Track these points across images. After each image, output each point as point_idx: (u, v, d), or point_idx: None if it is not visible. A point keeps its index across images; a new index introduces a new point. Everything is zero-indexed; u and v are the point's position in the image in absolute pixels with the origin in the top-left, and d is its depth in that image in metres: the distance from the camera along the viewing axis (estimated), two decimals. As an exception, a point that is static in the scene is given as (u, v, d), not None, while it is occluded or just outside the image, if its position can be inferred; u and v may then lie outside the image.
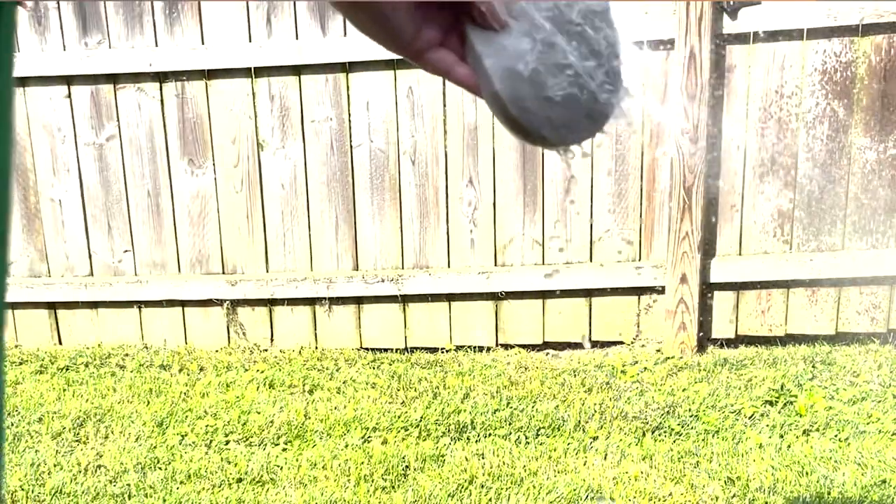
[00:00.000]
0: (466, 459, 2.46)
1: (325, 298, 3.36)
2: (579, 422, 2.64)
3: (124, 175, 3.38)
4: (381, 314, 3.37)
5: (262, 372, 3.16)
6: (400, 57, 0.70)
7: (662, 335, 3.18)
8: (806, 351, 3.08)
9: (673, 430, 2.59)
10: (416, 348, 3.36)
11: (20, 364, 3.34)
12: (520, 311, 3.30)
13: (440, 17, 0.68)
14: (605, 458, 2.45)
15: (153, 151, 3.35)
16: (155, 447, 2.61)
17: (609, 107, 0.70)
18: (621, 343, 3.28)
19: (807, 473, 2.29)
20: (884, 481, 2.24)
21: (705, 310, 3.18)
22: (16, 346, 3.54)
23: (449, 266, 3.31)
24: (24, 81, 3.31)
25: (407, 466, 2.43)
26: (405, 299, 3.33)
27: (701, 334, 3.17)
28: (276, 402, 2.89)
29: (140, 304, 3.46)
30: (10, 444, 2.67)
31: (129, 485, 2.39)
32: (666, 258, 3.11)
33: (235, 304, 3.41)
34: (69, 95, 3.34)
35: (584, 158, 3.10)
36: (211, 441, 2.65)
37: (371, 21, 0.66)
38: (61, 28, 3.27)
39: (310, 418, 2.75)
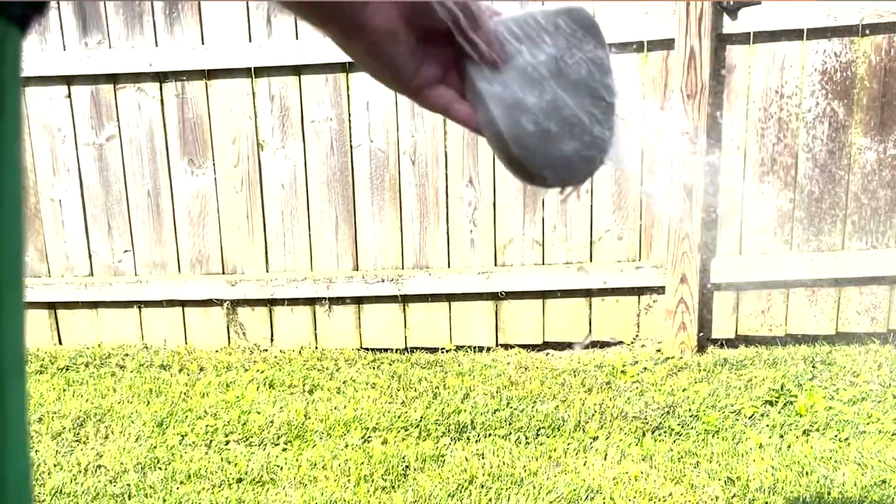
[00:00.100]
0: (466, 459, 2.46)
1: (325, 298, 3.36)
2: (579, 422, 2.64)
3: (124, 175, 3.38)
4: (381, 314, 3.37)
5: (262, 372, 3.16)
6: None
7: (662, 335, 3.18)
8: (806, 351, 3.08)
9: (673, 430, 2.58)
10: (416, 348, 3.36)
11: (20, 364, 3.34)
12: (520, 311, 3.30)
13: (440, 54, 0.68)
14: (605, 458, 2.45)
15: (153, 151, 3.35)
16: (155, 447, 2.61)
17: (608, 146, 0.70)
18: (621, 343, 3.28)
19: (807, 473, 2.29)
20: (884, 481, 2.24)
21: (705, 310, 3.18)
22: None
23: (449, 266, 3.31)
24: (24, 81, 3.30)
25: (407, 466, 2.43)
26: (405, 299, 3.33)
27: (701, 334, 3.17)
28: (276, 402, 2.89)
29: (140, 304, 3.46)
30: (10, 444, 2.67)
31: (129, 485, 2.39)
32: (666, 258, 3.11)
33: (235, 304, 3.41)
34: (69, 95, 3.34)
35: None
36: (211, 441, 2.65)
37: (371, 57, 0.65)
38: (61, 28, 3.27)
39: (310, 418, 2.75)
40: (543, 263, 3.26)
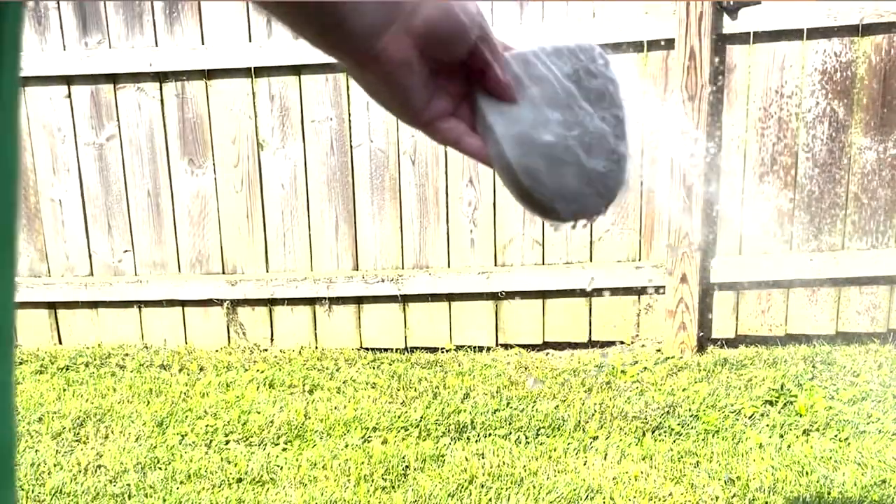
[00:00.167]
0: (466, 459, 2.46)
1: (325, 298, 3.36)
2: (579, 422, 2.64)
3: (124, 175, 3.38)
4: (381, 314, 3.37)
5: (262, 372, 3.16)
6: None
7: (662, 335, 3.18)
8: (806, 351, 3.08)
9: (673, 430, 2.58)
10: (416, 348, 3.36)
11: (20, 364, 3.34)
12: (520, 311, 3.30)
13: (452, 88, 0.68)
14: (605, 458, 2.45)
15: (153, 151, 3.35)
16: (155, 447, 2.61)
17: (619, 182, 0.70)
18: (621, 343, 3.28)
19: (807, 473, 2.29)
20: (884, 481, 2.24)
21: (705, 310, 3.18)
22: (16, 346, 3.54)
23: (449, 266, 3.31)
24: (24, 81, 3.30)
25: (407, 466, 2.43)
26: (405, 299, 3.33)
27: (701, 334, 3.17)
28: (276, 402, 2.89)
29: (140, 304, 3.46)
30: (10, 443, 2.67)
31: (129, 485, 2.39)
32: (666, 258, 3.11)
33: (235, 303, 3.41)
34: (69, 95, 3.34)
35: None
36: (211, 441, 2.65)
37: (384, 87, 0.65)
38: (61, 28, 3.27)
39: (310, 418, 2.75)
40: (543, 263, 3.26)
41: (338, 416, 2.76)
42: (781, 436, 2.53)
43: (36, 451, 2.61)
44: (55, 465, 2.51)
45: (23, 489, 2.38)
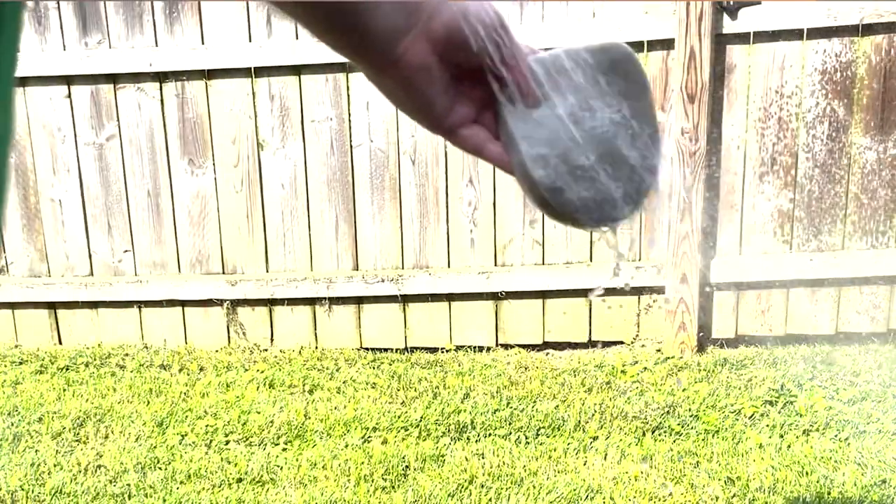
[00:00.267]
0: (466, 459, 2.46)
1: (325, 298, 3.36)
2: (579, 422, 2.64)
3: (124, 175, 3.38)
4: (381, 314, 3.36)
5: (262, 372, 3.16)
6: None
7: (662, 335, 3.18)
8: (806, 351, 3.08)
9: (673, 430, 2.59)
10: (416, 348, 3.36)
11: (20, 364, 3.34)
12: (520, 311, 3.30)
13: (474, 94, 0.67)
14: (605, 458, 2.45)
15: (153, 151, 3.35)
16: (155, 447, 2.61)
17: (645, 190, 0.69)
18: (621, 343, 3.28)
19: (807, 473, 2.29)
20: (884, 481, 2.24)
21: (705, 310, 3.18)
22: (16, 346, 3.54)
23: (449, 266, 3.31)
24: (24, 81, 3.31)
25: (407, 466, 2.43)
26: (405, 299, 3.33)
27: (701, 334, 3.17)
28: (276, 402, 2.89)
29: (140, 304, 3.46)
30: (10, 444, 2.67)
31: (129, 485, 2.39)
32: (666, 258, 3.11)
33: (235, 304, 3.41)
34: (69, 95, 3.34)
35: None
36: (211, 441, 2.65)
37: (404, 92, 0.65)
38: (61, 28, 3.27)
39: (310, 418, 2.75)
40: (543, 263, 3.26)
41: (338, 416, 2.76)
42: (781, 436, 2.53)
43: (36, 451, 2.61)
44: (55, 465, 2.51)
45: (23, 489, 2.38)
